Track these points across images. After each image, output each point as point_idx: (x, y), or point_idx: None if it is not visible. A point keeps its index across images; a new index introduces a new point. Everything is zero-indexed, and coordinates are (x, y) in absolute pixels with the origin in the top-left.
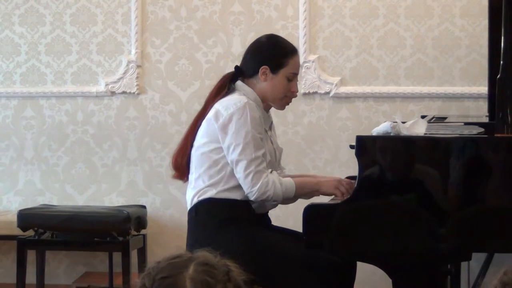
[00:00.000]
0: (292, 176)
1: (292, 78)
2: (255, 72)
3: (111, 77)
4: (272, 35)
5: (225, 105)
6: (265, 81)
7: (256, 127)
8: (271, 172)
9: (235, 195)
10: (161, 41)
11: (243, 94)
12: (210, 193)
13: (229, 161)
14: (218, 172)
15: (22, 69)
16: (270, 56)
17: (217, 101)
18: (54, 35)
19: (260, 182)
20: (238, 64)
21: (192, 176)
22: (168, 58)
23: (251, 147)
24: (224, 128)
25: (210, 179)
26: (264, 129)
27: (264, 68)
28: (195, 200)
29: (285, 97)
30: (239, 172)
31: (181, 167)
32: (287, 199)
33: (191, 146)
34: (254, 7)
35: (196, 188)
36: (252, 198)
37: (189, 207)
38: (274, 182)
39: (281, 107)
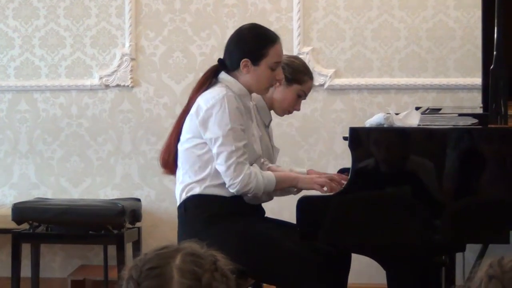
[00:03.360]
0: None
1: (275, 67)
2: (237, 65)
3: (105, 70)
4: (253, 25)
5: (205, 99)
6: (248, 73)
7: (236, 119)
8: (251, 165)
9: (223, 192)
10: (155, 34)
11: (225, 85)
12: (198, 189)
13: (213, 155)
14: (203, 168)
15: (16, 62)
16: (250, 49)
17: (199, 95)
18: (48, 29)
19: (243, 173)
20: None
21: (180, 171)
22: (162, 51)
23: (230, 138)
24: (204, 123)
25: (196, 175)
26: (260, 124)
27: (245, 61)
28: (184, 196)
29: (271, 86)
30: (221, 164)
31: (169, 164)
32: (267, 194)
33: (177, 142)
34: None
35: (184, 183)
36: (233, 190)
37: (178, 202)
38: (257, 174)
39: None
